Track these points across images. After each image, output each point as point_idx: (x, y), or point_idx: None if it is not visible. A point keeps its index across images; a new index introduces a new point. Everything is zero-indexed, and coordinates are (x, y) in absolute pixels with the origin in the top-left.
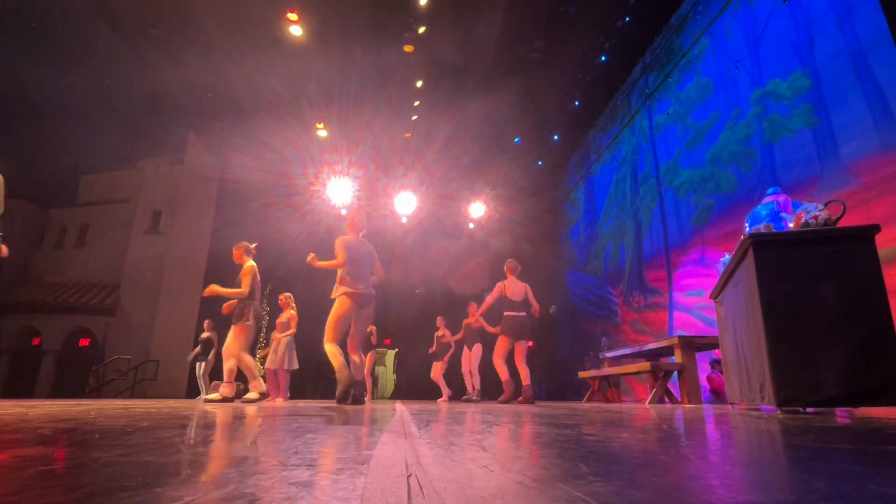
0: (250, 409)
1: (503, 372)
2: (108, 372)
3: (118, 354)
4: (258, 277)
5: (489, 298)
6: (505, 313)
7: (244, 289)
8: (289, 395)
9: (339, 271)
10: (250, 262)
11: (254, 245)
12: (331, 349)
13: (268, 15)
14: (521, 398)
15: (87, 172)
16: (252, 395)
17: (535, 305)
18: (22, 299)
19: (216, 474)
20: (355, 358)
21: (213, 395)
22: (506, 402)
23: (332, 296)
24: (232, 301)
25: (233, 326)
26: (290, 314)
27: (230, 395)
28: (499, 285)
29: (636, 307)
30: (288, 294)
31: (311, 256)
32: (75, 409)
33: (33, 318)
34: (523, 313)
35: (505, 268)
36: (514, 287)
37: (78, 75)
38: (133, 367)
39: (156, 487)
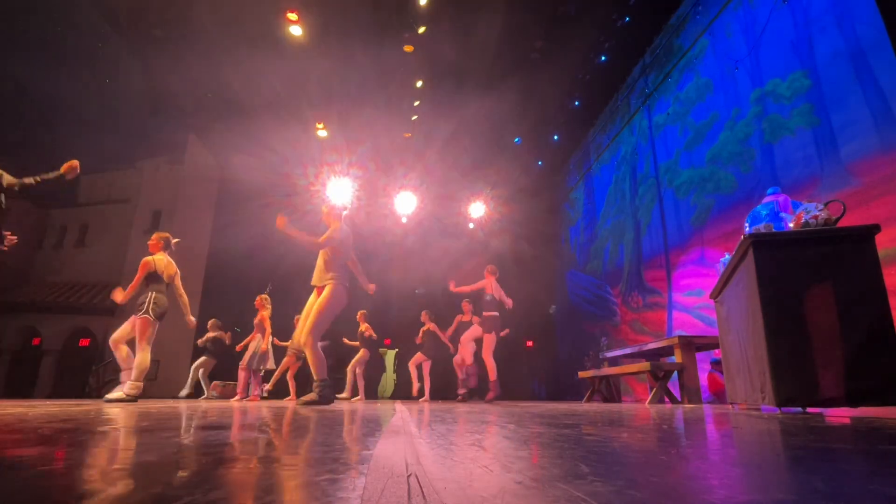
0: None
1: (494, 370)
2: (108, 372)
3: None
4: (154, 269)
5: (484, 286)
6: (494, 313)
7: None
8: (258, 395)
9: (328, 255)
10: (154, 257)
11: (176, 240)
12: (318, 351)
13: (268, 15)
14: (490, 395)
15: (87, 172)
16: (116, 393)
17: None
18: (22, 299)
19: (215, 474)
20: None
21: (116, 394)
22: (495, 399)
23: (319, 283)
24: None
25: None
26: (261, 315)
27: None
28: (495, 282)
29: (635, 307)
30: (263, 295)
31: (281, 219)
32: (75, 409)
33: (33, 318)
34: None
35: (493, 270)
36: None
37: (79, 76)
38: None
39: (156, 487)
